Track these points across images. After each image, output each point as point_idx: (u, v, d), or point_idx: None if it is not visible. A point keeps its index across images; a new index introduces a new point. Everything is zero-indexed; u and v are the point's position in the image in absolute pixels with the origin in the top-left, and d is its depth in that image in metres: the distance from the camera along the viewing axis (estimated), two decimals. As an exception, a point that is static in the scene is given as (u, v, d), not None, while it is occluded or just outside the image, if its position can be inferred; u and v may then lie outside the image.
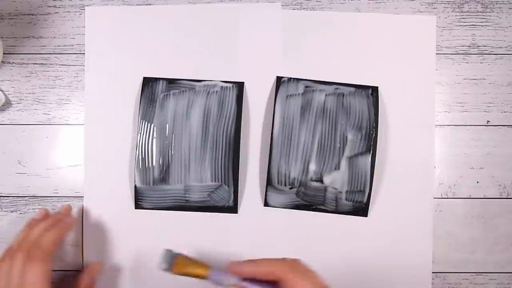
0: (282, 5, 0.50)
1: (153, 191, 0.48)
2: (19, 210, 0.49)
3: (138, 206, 0.48)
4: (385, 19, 0.50)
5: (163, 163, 0.48)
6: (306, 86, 0.49)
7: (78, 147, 0.49)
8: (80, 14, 0.50)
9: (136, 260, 0.49)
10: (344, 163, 0.48)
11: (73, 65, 0.50)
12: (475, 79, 0.50)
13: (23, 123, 0.50)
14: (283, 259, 0.36)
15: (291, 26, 0.50)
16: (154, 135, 0.48)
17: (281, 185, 0.48)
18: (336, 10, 0.50)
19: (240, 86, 0.49)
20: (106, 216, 0.49)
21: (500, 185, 0.50)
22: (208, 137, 0.48)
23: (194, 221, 0.49)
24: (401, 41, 0.50)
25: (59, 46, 0.50)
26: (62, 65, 0.50)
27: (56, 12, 0.50)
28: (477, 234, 0.50)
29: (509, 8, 0.50)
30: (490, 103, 0.50)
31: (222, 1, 0.50)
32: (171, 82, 0.49)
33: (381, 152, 0.49)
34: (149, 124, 0.48)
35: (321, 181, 0.48)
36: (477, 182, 0.50)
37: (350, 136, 0.48)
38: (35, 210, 0.49)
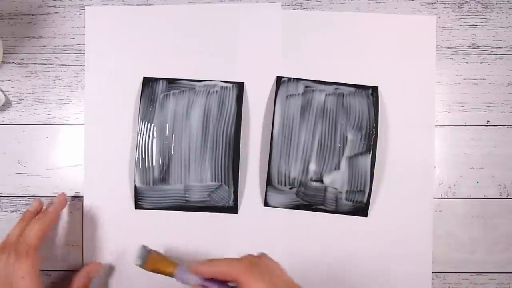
0: (282, 5, 0.50)
1: (153, 191, 0.48)
2: (19, 210, 0.49)
3: (138, 206, 0.48)
4: (385, 19, 0.50)
5: (163, 163, 0.48)
6: (306, 86, 0.49)
7: (78, 147, 0.49)
8: (80, 14, 0.50)
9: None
10: (344, 163, 0.48)
11: (73, 65, 0.50)
12: (475, 79, 0.50)
13: (23, 123, 0.50)
14: (242, 258, 0.36)
15: (291, 26, 0.50)
16: (154, 135, 0.48)
17: (281, 185, 0.48)
18: (336, 10, 0.50)
19: (240, 86, 0.49)
20: (106, 216, 0.49)
21: (500, 185, 0.50)
22: (208, 137, 0.48)
23: (194, 221, 0.49)
24: (401, 41, 0.50)
25: (59, 46, 0.50)
26: (62, 65, 0.50)
27: (56, 12, 0.50)
28: (477, 234, 0.50)
29: (509, 8, 0.50)
30: (490, 103, 0.50)
31: (222, 1, 0.50)
32: (171, 82, 0.49)
33: (381, 152, 0.49)
34: (149, 124, 0.48)
35: (321, 181, 0.48)
36: (477, 182, 0.50)
37: (350, 136, 0.48)
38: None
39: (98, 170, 0.49)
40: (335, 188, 0.48)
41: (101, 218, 0.49)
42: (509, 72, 0.50)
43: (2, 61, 0.49)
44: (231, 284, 0.36)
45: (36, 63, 0.50)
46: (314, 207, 0.48)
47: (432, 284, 0.49)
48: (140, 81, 0.49)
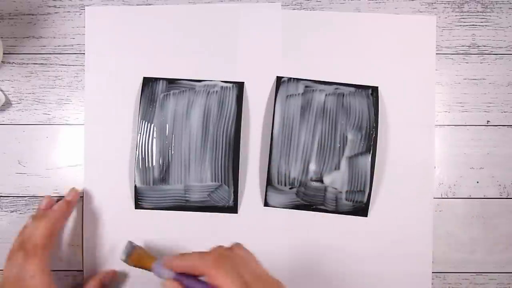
0: (282, 5, 0.50)
1: (153, 191, 0.48)
2: (19, 210, 0.49)
3: (138, 206, 0.48)
4: (385, 19, 0.50)
5: (163, 163, 0.48)
6: (306, 86, 0.49)
7: (78, 147, 0.49)
8: (80, 14, 0.50)
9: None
10: (344, 163, 0.48)
11: (73, 65, 0.50)
12: (475, 79, 0.50)
13: (23, 123, 0.50)
14: (212, 251, 0.35)
15: (291, 26, 0.50)
16: (154, 135, 0.48)
17: (281, 185, 0.48)
18: (336, 10, 0.50)
19: (240, 86, 0.49)
20: (106, 216, 0.49)
21: (500, 185, 0.50)
22: (208, 137, 0.48)
23: (194, 221, 0.49)
24: (401, 41, 0.50)
25: (59, 46, 0.50)
26: (62, 65, 0.50)
27: (56, 12, 0.50)
28: (477, 234, 0.50)
29: (509, 8, 0.50)
30: (490, 103, 0.50)
31: (222, 1, 0.50)
32: (171, 82, 0.49)
33: (381, 152, 0.49)
34: (149, 124, 0.48)
35: (321, 181, 0.48)
36: (477, 182, 0.50)
37: (350, 136, 0.48)
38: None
39: (98, 170, 0.49)
40: (335, 188, 0.48)
41: (101, 218, 0.49)
42: (509, 72, 0.50)
43: (2, 61, 0.49)
44: (203, 278, 0.35)
45: (36, 63, 0.50)
46: (314, 207, 0.48)
47: (432, 284, 0.49)
48: (140, 81, 0.49)
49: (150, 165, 0.48)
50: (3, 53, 0.49)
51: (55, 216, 0.44)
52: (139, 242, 0.49)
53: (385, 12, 0.50)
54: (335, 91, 0.49)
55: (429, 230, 0.49)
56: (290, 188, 0.48)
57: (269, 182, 0.48)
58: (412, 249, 0.49)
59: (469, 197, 0.50)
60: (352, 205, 0.48)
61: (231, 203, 0.48)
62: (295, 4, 0.50)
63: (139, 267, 0.41)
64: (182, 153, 0.48)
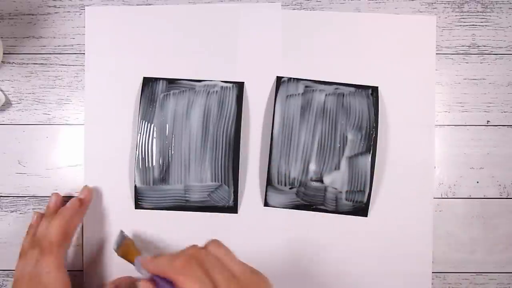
0: (282, 5, 0.50)
1: (153, 191, 0.48)
2: (19, 210, 0.49)
3: (138, 206, 0.48)
4: (385, 19, 0.50)
5: (163, 163, 0.48)
6: (306, 86, 0.49)
7: (78, 147, 0.49)
8: (80, 14, 0.50)
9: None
10: (344, 163, 0.48)
11: (73, 65, 0.50)
12: (475, 79, 0.50)
13: (23, 123, 0.50)
14: (180, 254, 0.32)
15: (291, 26, 0.50)
16: (154, 135, 0.48)
17: (281, 185, 0.48)
18: (336, 10, 0.50)
19: (240, 86, 0.49)
20: (106, 216, 0.49)
21: (500, 185, 0.50)
22: (208, 137, 0.48)
23: (194, 221, 0.49)
24: (401, 41, 0.50)
25: (59, 46, 0.50)
26: (62, 65, 0.50)
27: (56, 12, 0.50)
28: (477, 234, 0.50)
29: (509, 8, 0.50)
30: (490, 103, 0.50)
31: (222, 1, 0.50)
32: (171, 82, 0.49)
33: (381, 152, 0.49)
34: (149, 124, 0.48)
35: (321, 181, 0.48)
36: (477, 182, 0.50)
37: (350, 136, 0.48)
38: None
39: (98, 170, 0.49)
40: (335, 188, 0.48)
41: (101, 218, 0.49)
42: (509, 72, 0.50)
43: (2, 61, 0.49)
44: None
45: (36, 63, 0.50)
46: (314, 207, 0.48)
47: (432, 284, 0.49)
48: (140, 81, 0.49)
49: (150, 165, 0.48)
50: (3, 53, 0.49)
51: (69, 213, 0.45)
52: (139, 242, 0.49)
53: (385, 12, 0.50)
54: (335, 91, 0.49)
55: (429, 230, 0.49)
56: (290, 188, 0.48)
57: (269, 182, 0.48)
58: (412, 249, 0.49)
59: (469, 197, 0.50)
60: (352, 205, 0.48)
61: (231, 203, 0.48)
62: (295, 4, 0.50)
63: (126, 260, 0.41)
64: (182, 153, 0.48)
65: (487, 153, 0.50)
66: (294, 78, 0.49)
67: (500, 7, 0.50)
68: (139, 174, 0.48)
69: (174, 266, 0.31)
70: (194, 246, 0.34)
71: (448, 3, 0.50)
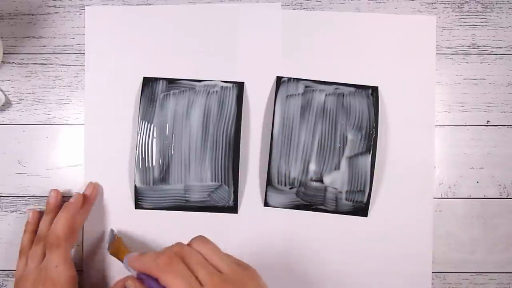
0: (282, 5, 0.50)
1: (153, 191, 0.48)
2: (19, 210, 0.49)
3: (138, 206, 0.48)
4: (385, 19, 0.50)
5: (163, 163, 0.48)
6: (306, 86, 0.49)
7: (78, 147, 0.49)
8: (80, 14, 0.50)
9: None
10: (344, 163, 0.48)
11: (73, 65, 0.50)
12: (475, 79, 0.50)
13: (23, 123, 0.50)
14: (165, 252, 0.32)
15: (291, 26, 0.50)
16: (154, 135, 0.48)
17: (281, 185, 0.48)
18: (336, 10, 0.50)
19: (240, 86, 0.49)
20: (106, 216, 0.49)
21: (500, 185, 0.50)
22: (208, 137, 0.48)
23: (194, 221, 0.49)
24: (401, 41, 0.50)
25: (59, 46, 0.50)
26: (62, 65, 0.50)
27: (56, 12, 0.50)
28: (477, 234, 0.50)
29: (509, 8, 0.50)
30: (490, 103, 0.50)
31: (222, 1, 0.50)
32: (171, 82, 0.49)
33: (381, 152, 0.49)
34: (149, 124, 0.48)
35: (321, 181, 0.48)
36: (477, 182, 0.50)
37: (350, 136, 0.48)
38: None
39: (98, 170, 0.49)
40: (335, 188, 0.48)
41: (101, 218, 0.49)
42: (509, 72, 0.50)
43: (2, 61, 0.49)
44: None
45: (36, 63, 0.50)
46: (314, 207, 0.48)
47: (432, 284, 0.49)
48: (140, 81, 0.49)
49: (150, 165, 0.48)
50: (3, 53, 0.49)
51: (73, 208, 0.45)
52: (139, 242, 0.49)
53: (385, 12, 0.50)
54: (335, 91, 0.49)
55: (429, 230, 0.49)
56: (290, 188, 0.48)
57: (269, 182, 0.48)
58: (412, 249, 0.49)
59: (469, 197, 0.50)
60: (352, 205, 0.48)
61: (231, 203, 0.48)
62: (295, 4, 0.50)
63: (117, 258, 0.42)
64: (182, 153, 0.48)
65: (487, 153, 0.50)
66: (294, 78, 0.49)
67: (500, 7, 0.50)
68: (139, 174, 0.48)
69: (158, 263, 0.32)
70: (179, 244, 0.34)
71: (448, 3, 0.50)
